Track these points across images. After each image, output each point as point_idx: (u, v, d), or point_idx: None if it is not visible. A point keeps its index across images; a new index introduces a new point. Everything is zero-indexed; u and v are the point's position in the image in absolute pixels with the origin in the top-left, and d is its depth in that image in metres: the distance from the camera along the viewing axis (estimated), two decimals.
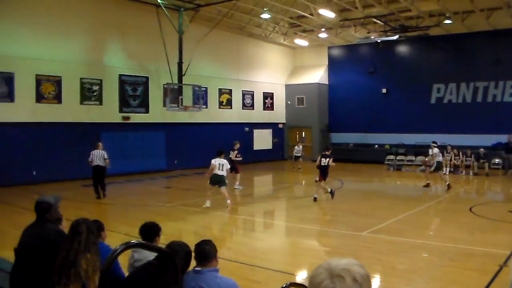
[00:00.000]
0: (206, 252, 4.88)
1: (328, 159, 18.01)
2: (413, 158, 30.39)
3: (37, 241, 5.28)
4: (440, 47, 32.22)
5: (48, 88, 22.87)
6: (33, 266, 5.13)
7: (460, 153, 27.87)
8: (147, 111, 27.26)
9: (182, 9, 25.82)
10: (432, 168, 21.82)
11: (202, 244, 4.99)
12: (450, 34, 31.09)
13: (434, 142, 22.48)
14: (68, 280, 4.66)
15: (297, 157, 29.65)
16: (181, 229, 14.16)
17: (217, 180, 16.73)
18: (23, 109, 21.99)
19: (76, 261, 4.68)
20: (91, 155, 18.52)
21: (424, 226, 13.93)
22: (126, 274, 5.34)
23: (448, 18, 27.81)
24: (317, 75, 37.04)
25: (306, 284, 1.85)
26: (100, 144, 18.97)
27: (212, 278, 4.73)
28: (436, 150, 21.81)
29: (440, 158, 22.01)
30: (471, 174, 27.01)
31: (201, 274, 4.75)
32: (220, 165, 16.73)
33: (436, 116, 31.93)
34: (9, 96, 21.54)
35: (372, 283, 1.82)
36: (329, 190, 18.43)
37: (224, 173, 16.70)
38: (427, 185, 21.80)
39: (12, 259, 5.62)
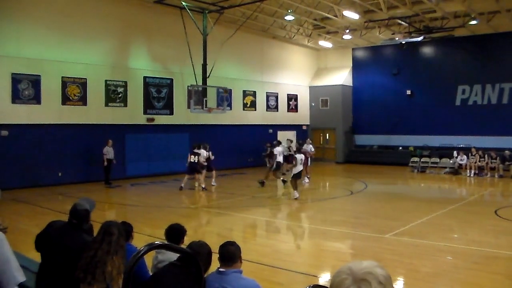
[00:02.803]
0: (231, 253, 4.88)
1: (197, 156, 21.12)
2: (437, 160, 30.15)
3: (73, 250, 5.29)
4: (465, 48, 31.95)
5: (74, 90, 23.12)
6: (63, 271, 5.19)
7: (486, 155, 27.61)
8: (171, 113, 27.40)
9: (206, 12, 25.96)
10: (273, 168, 23.43)
11: (227, 245, 4.99)
12: (475, 35, 30.85)
13: (278, 142, 24.47)
14: (93, 279, 4.73)
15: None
16: (204, 230, 14.26)
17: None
18: (49, 111, 22.25)
19: (102, 262, 4.74)
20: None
21: (448, 229, 13.83)
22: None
23: (474, 18, 27.58)
24: (341, 76, 36.96)
25: (328, 286, 1.86)
26: (109, 141, 22.48)
27: (236, 279, 4.74)
28: (279, 148, 23.51)
29: (280, 159, 23.30)
30: (496, 176, 26.74)
31: (225, 275, 4.75)
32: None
33: (461, 117, 31.67)
34: (36, 98, 21.81)
35: (394, 285, 1.84)
36: (182, 185, 21.20)
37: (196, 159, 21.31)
38: (263, 183, 22.85)
39: (37, 259, 5.67)
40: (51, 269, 5.32)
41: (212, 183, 22.40)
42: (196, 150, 21.35)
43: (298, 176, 19.06)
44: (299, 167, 18.85)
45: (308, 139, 26.77)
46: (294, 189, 19.00)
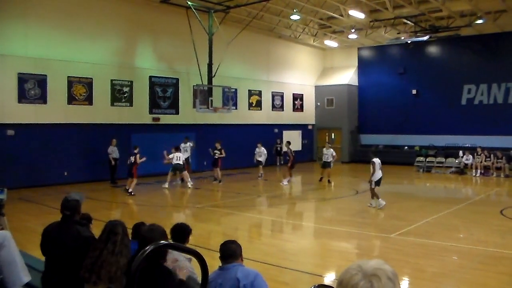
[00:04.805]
0: (232, 250, 4.98)
1: (134, 157, 19.90)
2: (443, 159, 30.08)
3: (69, 243, 5.33)
4: (471, 47, 31.84)
5: (80, 90, 23.16)
6: (65, 267, 5.21)
7: (491, 155, 27.54)
8: (177, 113, 27.44)
9: (212, 11, 25.95)
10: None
11: (227, 243, 5.09)
12: (482, 34, 30.76)
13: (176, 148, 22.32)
14: (98, 279, 4.75)
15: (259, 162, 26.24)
16: (210, 230, 14.26)
17: (176, 168, 21.67)
18: (55, 110, 22.30)
19: (107, 262, 4.76)
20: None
21: (454, 229, 13.81)
22: None
23: (480, 18, 27.49)
24: (347, 76, 36.92)
25: (334, 286, 1.87)
26: (113, 140, 22.92)
27: (238, 270, 4.84)
28: (183, 146, 22.58)
29: (181, 157, 22.01)
30: (502, 176, 26.66)
31: (226, 270, 4.87)
32: (177, 157, 21.48)
33: (467, 117, 31.58)
34: (42, 98, 21.87)
35: (400, 284, 1.85)
36: (129, 189, 19.77)
37: (180, 162, 21.51)
38: (182, 180, 23.02)
39: (43, 257, 5.70)
40: (54, 268, 5.35)
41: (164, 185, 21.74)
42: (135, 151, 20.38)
43: (378, 183, 16.81)
44: (379, 173, 16.82)
45: (328, 143, 25.90)
46: (376, 197, 16.77)
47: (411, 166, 30.50)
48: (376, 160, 16.83)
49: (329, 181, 23.74)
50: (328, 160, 23.95)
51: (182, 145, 23.70)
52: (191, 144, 23.94)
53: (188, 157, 23.88)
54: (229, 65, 28.15)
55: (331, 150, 24.26)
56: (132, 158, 19.91)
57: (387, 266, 1.81)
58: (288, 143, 24.48)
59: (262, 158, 25.89)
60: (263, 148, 26.03)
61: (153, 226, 5.10)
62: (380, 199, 16.64)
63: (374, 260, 1.84)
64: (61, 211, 5.59)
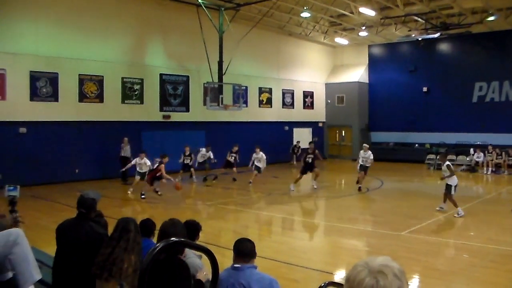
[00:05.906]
0: (248, 249, 4.89)
1: (157, 165, 18.70)
2: (454, 157, 29.93)
3: (82, 239, 5.37)
4: (483, 44, 31.65)
5: (91, 88, 23.28)
6: (77, 263, 5.25)
7: (503, 152, 27.40)
8: (187, 110, 27.51)
9: (222, 9, 25.95)
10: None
11: (244, 241, 5.00)
12: (493, 31, 30.54)
13: (142, 151, 20.42)
14: (109, 275, 4.78)
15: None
16: (220, 227, 14.28)
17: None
18: (67, 108, 22.43)
19: (119, 259, 4.79)
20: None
21: (465, 227, 13.77)
22: None
23: (491, 15, 27.30)
24: (357, 73, 36.85)
25: (345, 281, 1.89)
26: (125, 139, 23.01)
27: (252, 274, 4.75)
28: (146, 160, 19.74)
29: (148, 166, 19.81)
30: None
31: (240, 270, 4.76)
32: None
33: (478, 115, 31.37)
34: (54, 96, 22.00)
35: (410, 283, 1.87)
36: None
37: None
38: (191, 176, 23.48)
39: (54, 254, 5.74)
40: (65, 264, 5.39)
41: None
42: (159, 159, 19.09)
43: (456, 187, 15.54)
44: (455, 178, 15.73)
45: (365, 145, 22.21)
46: (455, 204, 15.18)
47: (422, 164, 30.41)
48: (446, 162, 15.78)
49: (359, 188, 20.79)
50: (367, 165, 20.80)
51: (203, 152, 24.17)
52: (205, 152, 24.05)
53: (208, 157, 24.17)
54: (239, 62, 28.16)
55: (369, 152, 20.93)
56: (154, 165, 18.83)
57: (394, 263, 1.83)
58: (313, 143, 22.54)
59: (261, 164, 23.03)
60: (261, 153, 23.19)
61: (174, 220, 5.15)
62: (458, 207, 15.08)
63: (381, 257, 1.85)
64: (77, 208, 5.65)
